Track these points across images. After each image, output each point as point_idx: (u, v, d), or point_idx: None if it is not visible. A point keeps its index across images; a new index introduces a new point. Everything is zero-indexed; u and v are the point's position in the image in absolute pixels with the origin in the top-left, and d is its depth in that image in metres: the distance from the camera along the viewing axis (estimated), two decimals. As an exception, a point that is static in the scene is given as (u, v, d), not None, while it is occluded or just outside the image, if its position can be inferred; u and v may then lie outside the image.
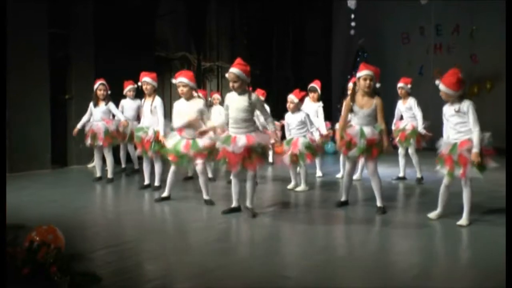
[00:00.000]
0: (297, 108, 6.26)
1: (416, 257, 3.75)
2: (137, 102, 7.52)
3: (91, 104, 7.08)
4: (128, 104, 7.56)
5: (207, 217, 5.12)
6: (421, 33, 12.35)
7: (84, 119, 7.08)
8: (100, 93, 7.04)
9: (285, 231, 4.59)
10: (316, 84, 7.26)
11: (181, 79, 5.33)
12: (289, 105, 6.32)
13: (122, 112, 7.34)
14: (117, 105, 7.38)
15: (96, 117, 7.00)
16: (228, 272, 3.34)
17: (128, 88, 7.61)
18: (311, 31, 13.37)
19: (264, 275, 3.29)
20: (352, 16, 11.64)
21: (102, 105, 7.06)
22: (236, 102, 4.79)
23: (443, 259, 3.79)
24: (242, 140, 4.67)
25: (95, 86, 7.13)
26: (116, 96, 7.75)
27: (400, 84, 6.95)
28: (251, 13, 12.21)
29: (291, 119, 6.28)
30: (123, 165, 7.81)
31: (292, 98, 6.27)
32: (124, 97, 7.61)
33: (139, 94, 7.48)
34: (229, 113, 4.83)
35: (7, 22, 7.23)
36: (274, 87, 11.77)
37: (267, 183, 7.15)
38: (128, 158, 7.83)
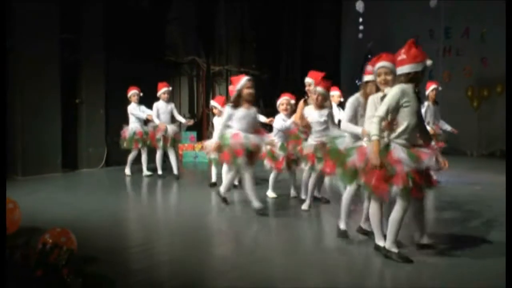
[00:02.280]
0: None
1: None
2: (171, 104, 7.55)
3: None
4: (163, 107, 7.49)
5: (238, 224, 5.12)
6: (431, 36, 12.30)
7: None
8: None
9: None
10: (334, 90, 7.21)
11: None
12: (286, 107, 6.00)
13: (158, 116, 7.39)
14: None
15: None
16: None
17: (162, 90, 7.50)
18: (319, 34, 13.38)
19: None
20: (361, 19, 11.65)
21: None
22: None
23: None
24: None
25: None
26: (126, 100, 7.80)
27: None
28: (260, 17, 12.24)
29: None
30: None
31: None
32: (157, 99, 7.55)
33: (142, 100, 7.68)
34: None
35: (17, 27, 7.36)
36: (282, 91, 11.76)
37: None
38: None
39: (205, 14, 11.01)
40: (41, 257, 3.06)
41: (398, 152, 3.43)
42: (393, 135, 3.52)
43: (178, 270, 3.50)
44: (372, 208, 3.77)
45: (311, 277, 3.41)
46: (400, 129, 3.50)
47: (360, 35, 12.14)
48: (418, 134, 3.64)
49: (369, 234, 3.89)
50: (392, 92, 3.49)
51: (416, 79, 3.54)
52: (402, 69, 3.53)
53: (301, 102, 5.67)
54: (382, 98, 3.64)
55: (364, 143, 3.80)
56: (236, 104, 5.22)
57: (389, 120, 3.52)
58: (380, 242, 3.76)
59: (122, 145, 7.63)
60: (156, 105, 7.45)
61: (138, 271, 3.44)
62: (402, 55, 3.55)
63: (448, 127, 7.36)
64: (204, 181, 7.13)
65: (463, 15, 11.62)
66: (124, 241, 4.16)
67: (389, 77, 3.74)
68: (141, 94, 7.59)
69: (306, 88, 5.80)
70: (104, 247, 3.93)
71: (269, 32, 12.42)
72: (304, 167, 5.54)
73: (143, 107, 7.64)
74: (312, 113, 5.23)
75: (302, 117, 5.34)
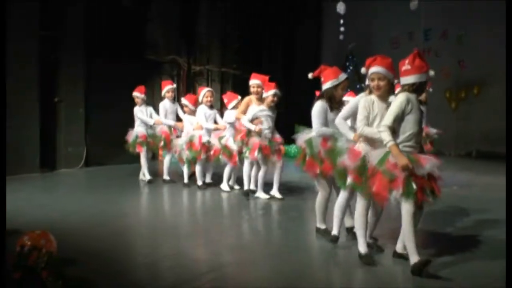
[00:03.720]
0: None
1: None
2: (176, 104, 7.26)
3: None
4: (170, 107, 7.19)
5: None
6: (410, 38, 12.48)
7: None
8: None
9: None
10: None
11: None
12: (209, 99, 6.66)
13: (166, 117, 7.11)
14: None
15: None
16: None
17: (166, 89, 7.20)
18: (301, 35, 13.44)
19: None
20: (342, 21, 11.75)
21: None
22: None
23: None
24: None
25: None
26: (106, 99, 7.72)
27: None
28: (242, 17, 12.24)
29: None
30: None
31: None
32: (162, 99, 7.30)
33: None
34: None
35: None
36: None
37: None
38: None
39: (186, 13, 10.95)
40: (19, 259, 3.02)
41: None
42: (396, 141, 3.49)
43: (159, 272, 3.48)
44: (359, 209, 3.73)
45: (298, 278, 3.43)
46: (402, 136, 3.50)
47: (341, 36, 12.26)
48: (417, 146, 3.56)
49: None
50: (398, 101, 3.47)
51: (421, 90, 3.56)
52: (407, 79, 3.52)
53: (247, 99, 6.17)
54: (387, 105, 3.63)
55: (357, 145, 3.75)
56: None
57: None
58: (361, 248, 3.72)
59: (128, 149, 7.28)
60: (162, 105, 7.15)
61: (118, 272, 3.41)
62: (406, 65, 3.52)
63: (433, 130, 7.28)
64: (181, 180, 7.09)
65: (441, 18, 11.82)
66: (104, 243, 4.11)
67: (382, 83, 3.67)
68: (141, 96, 7.24)
69: (255, 90, 6.15)
70: (84, 248, 3.88)
71: (250, 32, 12.42)
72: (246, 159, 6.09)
73: (150, 109, 7.30)
74: (265, 111, 5.93)
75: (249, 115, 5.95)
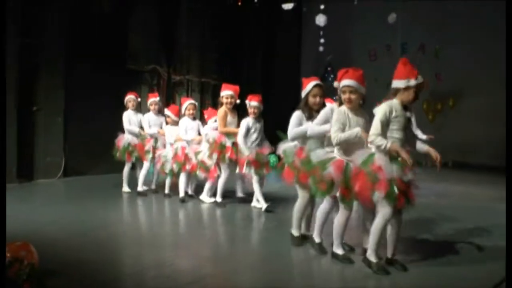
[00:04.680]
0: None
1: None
2: (162, 118, 7.08)
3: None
4: (153, 119, 7.07)
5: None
6: (388, 50, 12.72)
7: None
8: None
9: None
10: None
11: None
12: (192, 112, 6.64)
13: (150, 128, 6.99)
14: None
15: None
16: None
17: (149, 102, 7.11)
18: (281, 46, 13.56)
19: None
20: (321, 32, 11.92)
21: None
22: None
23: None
24: None
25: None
26: (86, 108, 7.60)
27: None
28: (221, 28, 12.29)
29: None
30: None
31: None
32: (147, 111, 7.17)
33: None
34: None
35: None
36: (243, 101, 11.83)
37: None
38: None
39: (166, 22, 10.95)
40: None
41: (382, 161, 3.50)
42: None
43: (143, 282, 3.46)
44: (340, 217, 3.84)
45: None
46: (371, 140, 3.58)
47: (321, 48, 12.44)
48: (408, 149, 3.64)
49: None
50: (382, 110, 3.57)
51: (402, 96, 3.61)
52: (392, 84, 3.65)
53: (222, 112, 6.19)
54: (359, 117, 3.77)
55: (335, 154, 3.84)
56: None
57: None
58: (338, 250, 3.91)
59: (115, 156, 7.09)
60: (146, 117, 7.05)
61: (102, 283, 3.38)
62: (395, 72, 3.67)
63: (423, 136, 7.32)
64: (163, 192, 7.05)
65: (418, 32, 12.09)
66: (86, 254, 4.06)
67: (353, 96, 3.76)
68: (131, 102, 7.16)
69: (228, 100, 6.20)
70: (65, 260, 3.83)
71: (230, 43, 12.48)
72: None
73: (140, 116, 7.14)
74: (251, 124, 5.97)
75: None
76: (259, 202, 6.16)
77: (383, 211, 3.53)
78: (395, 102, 3.61)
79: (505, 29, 5.04)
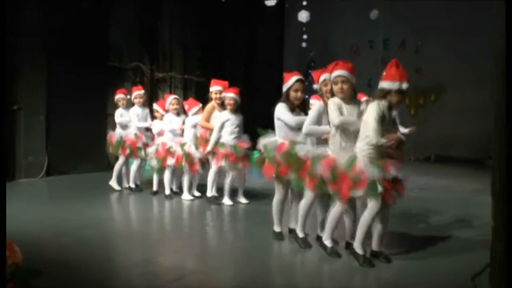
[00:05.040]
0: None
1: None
2: (146, 109, 7.09)
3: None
4: (140, 112, 7.02)
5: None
6: (370, 47, 12.83)
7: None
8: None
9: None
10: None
11: None
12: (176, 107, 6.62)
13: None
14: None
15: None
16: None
17: (134, 95, 7.07)
18: (263, 42, 13.56)
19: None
20: (304, 29, 11.95)
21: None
22: None
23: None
24: None
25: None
26: (68, 105, 7.48)
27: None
28: (203, 24, 12.24)
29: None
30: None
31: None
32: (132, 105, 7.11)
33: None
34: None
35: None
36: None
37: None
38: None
39: (148, 20, 10.87)
40: (-17, 272, 2.93)
41: (363, 164, 3.55)
42: (360, 147, 3.63)
43: (129, 280, 3.46)
44: (337, 209, 3.88)
45: (264, 283, 3.47)
46: (364, 140, 3.61)
47: (304, 44, 12.48)
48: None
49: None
50: (373, 109, 3.59)
51: (391, 97, 3.66)
52: (379, 84, 3.68)
53: (209, 106, 6.22)
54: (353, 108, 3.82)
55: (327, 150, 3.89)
56: None
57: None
58: (327, 242, 3.98)
59: (108, 151, 7.20)
60: (133, 111, 7.01)
61: (88, 281, 3.36)
62: (384, 72, 3.70)
63: (404, 130, 7.32)
64: (149, 189, 7.02)
65: (400, 28, 12.22)
66: (70, 253, 4.03)
67: (345, 86, 3.81)
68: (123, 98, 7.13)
69: (217, 96, 6.22)
70: (49, 259, 3.80)
71: (212, 39, 12.45)
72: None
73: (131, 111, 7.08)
74: (229, 117, 5.92)
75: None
76: (243, 198, 6.21)
77: (371, 205, 3.60)
78: (383, 104, 3.65)
79: (506, 29, 5.11)
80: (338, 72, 3.83)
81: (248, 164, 6.01)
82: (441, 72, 12.11)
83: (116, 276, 3.57)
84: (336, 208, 3.91)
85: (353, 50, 12.87)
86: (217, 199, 6.20)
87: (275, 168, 4.25)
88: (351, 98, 3.89)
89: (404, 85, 3.65)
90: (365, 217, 3.68)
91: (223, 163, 5.92)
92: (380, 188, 3.50)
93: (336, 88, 3.85)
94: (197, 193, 6.68)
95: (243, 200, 6.21)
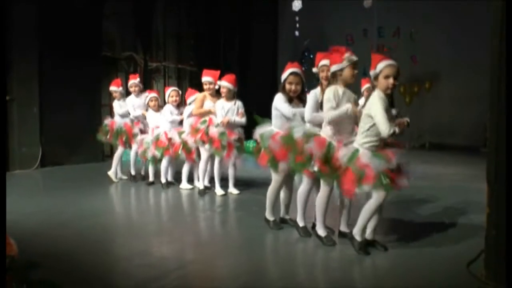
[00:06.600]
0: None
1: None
2: (143, 98, 7.00)
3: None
4: (136, 101, 7.00)
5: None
6: (365, 35, 12.80)
7: None
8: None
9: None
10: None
11: None
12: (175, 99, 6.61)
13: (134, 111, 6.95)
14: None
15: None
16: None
17: (129, 84, 7.06)
18: (257, 31, 13.50)
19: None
20: (297, 18, 11.91)
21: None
22: None
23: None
24: None
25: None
26: (62, 96, 7.42)
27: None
28: (198, 14, 12.17)
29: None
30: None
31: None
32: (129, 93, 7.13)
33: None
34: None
35: None
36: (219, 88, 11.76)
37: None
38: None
39: (142, 9, 10.78)
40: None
41: (366, 156, 3.53)
42: (361, 140, 3.62)
43: (128, 270, 3.46)
44: (321, 193, 3.91)
45: (262, 272, 3.49)
46: (365, 132, 3.60)
47: (297, 33, 12.43)
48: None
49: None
50: (376, 100, 3.54)
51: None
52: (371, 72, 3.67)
53: (201, 95, 6.23)
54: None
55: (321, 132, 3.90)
56: None
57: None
58: (321, 231, 4.01)
59: (101, 138, 7.17)
60: (129, 100, 6.99)
61: (86, 273, 3.36)
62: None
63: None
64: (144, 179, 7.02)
65: (394, 16, 12.19)
66: (67, 244, 4.03)
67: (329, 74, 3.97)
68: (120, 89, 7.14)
69: (207, 87, 6.20)
70: (46, 251, 3.80)
71: (206, 29, 12.37)
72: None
73: (133, 100, 7.04)
74: (224, 105, 5.86)
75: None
76: (234, 188, 6.22)
77: (377, 194, 3.59)
78: (381, 93, 3.59)
79: (506, 29, 5.10)
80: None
81: (231, 155, 5.95)
82: (435, 60, 12.13)
83: (114, 267, 3.57)
84: (321, 192, 3.93)
85: (348, 39, 12.80)
86: (204, 192, 6.19)
87: (269, 156, 4.24)
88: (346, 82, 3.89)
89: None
90: (370, 205, 3.67)
91: (207, 146, 5.92)
92: (387, 180, 3.49)
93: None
94: (207, 183, 6.48)
95: (234, 191, 6.21)
